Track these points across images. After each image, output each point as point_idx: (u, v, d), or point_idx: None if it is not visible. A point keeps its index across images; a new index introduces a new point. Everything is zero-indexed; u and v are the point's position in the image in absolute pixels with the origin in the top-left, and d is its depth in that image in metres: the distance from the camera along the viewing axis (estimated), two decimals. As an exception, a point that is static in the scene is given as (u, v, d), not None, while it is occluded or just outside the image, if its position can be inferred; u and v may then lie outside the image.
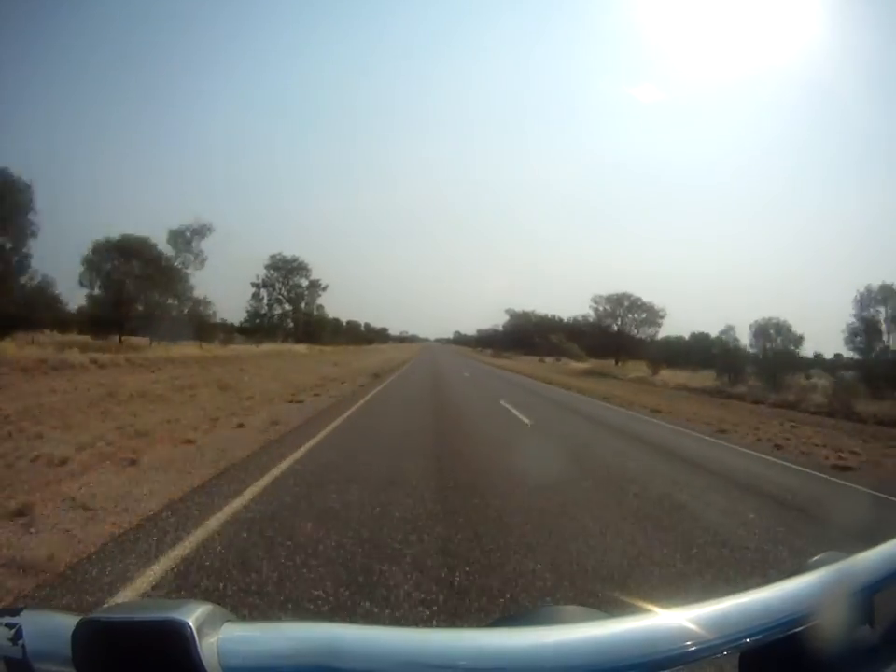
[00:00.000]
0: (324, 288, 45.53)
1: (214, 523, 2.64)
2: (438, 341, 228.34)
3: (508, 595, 2.09)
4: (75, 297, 26.80)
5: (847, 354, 20.60)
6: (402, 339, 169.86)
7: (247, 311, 42.05)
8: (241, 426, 5.50)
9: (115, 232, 22.88)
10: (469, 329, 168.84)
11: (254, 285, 42.83)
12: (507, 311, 77.09)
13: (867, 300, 18.53)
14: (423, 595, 2.03)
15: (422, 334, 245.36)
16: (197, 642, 0.31)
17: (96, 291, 20.40)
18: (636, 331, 40.25)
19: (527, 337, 63.51)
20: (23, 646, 0.34)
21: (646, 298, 40.83)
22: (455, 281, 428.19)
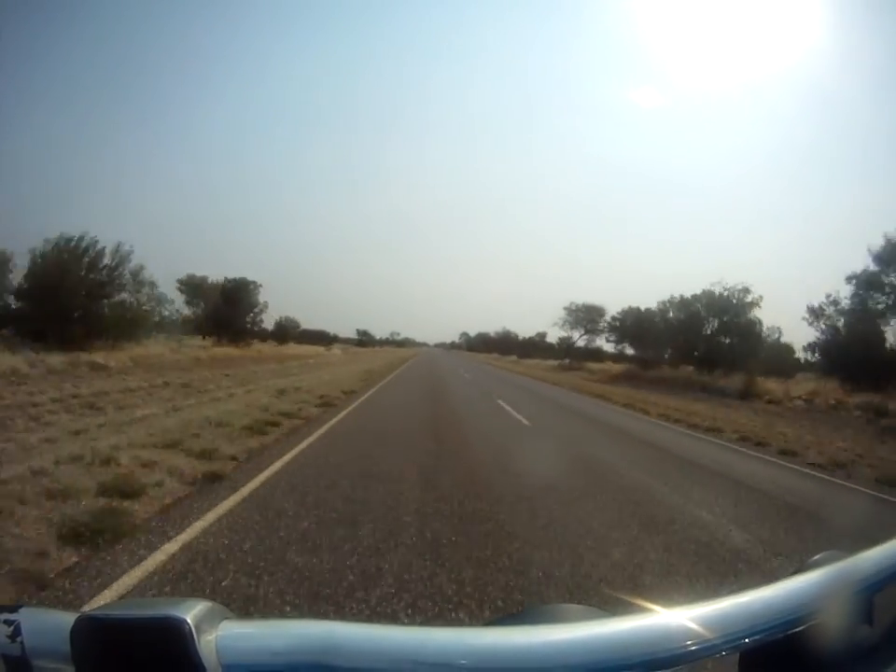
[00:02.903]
0: None
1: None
2: (438, 346, 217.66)
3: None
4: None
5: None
6: (362, 342, 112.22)
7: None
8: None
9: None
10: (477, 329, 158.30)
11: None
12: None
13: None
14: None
15: (420, 338, 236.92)
16: (195, 639, 0.32)
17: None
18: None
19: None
20: (22, 643, 0.36)
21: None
22: (456, 285, 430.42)
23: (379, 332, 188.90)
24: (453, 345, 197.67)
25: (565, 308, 56.63)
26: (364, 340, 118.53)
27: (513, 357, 74.26)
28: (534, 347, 74.69)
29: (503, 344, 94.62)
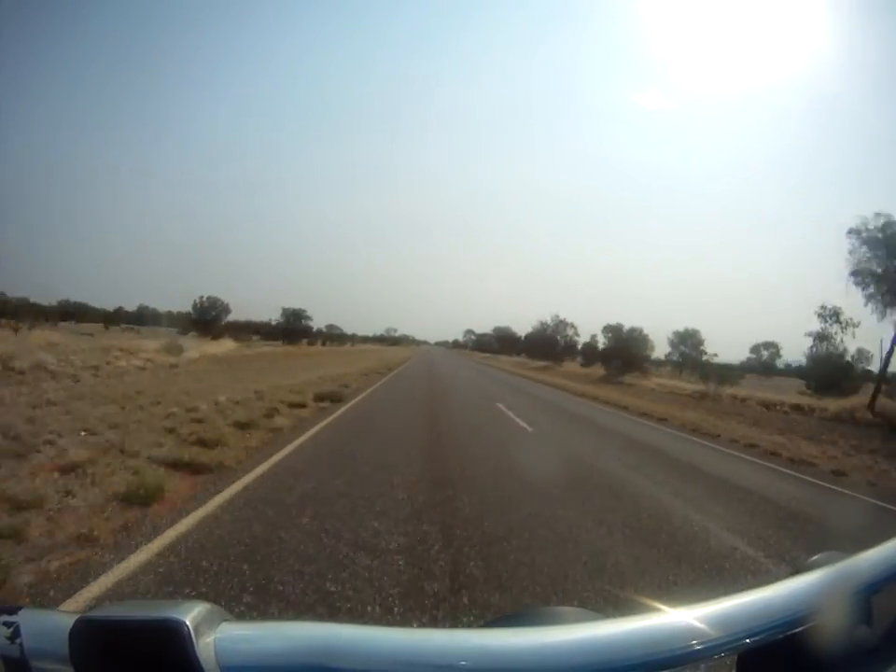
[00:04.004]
0: None
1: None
2: (440, 345, 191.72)
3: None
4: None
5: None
6: (292, 332, 54.17)
7: None
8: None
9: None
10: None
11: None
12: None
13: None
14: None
15: (420, 336, 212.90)
16: (194, 641, 0.33)
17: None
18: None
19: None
20: (21, 644, 0.37)
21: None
22: (457, 285, 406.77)
23: (375, 329, 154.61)
24: (455, 344, 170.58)
25: (853, 232, 19.62)
26: (298, 329, 52.77)
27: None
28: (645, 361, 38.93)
29: (540, 345, 58.27)
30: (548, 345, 55.98)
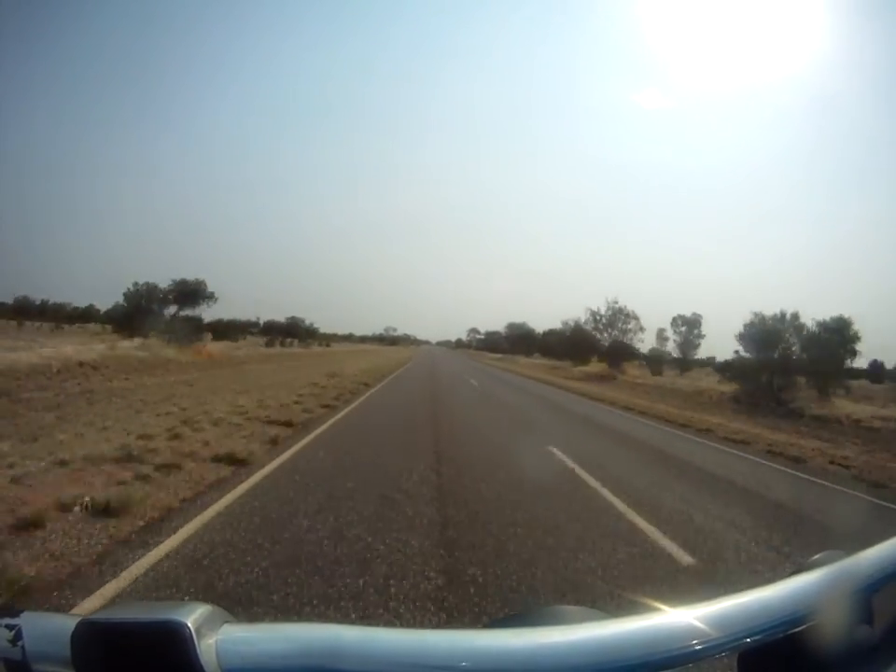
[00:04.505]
0: None
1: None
2: (442, 344, 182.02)
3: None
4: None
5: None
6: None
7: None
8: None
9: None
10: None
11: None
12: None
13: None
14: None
15: (422, 335, 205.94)
16: (196, 643, 0.33)
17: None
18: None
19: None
20: (23, 647, 0.37)
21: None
22: (459, 284, 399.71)
23: (375, 328, 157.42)
24: (459, 344, 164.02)
25: None
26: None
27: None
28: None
29: (571, 344, 42.47)
30: (584, 345, 41.51)
